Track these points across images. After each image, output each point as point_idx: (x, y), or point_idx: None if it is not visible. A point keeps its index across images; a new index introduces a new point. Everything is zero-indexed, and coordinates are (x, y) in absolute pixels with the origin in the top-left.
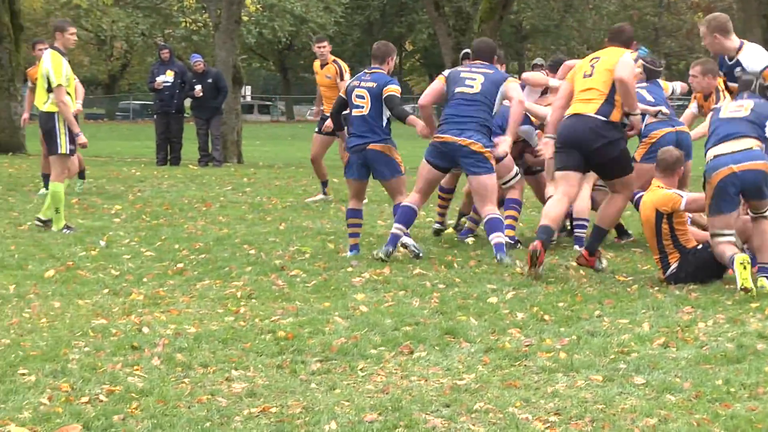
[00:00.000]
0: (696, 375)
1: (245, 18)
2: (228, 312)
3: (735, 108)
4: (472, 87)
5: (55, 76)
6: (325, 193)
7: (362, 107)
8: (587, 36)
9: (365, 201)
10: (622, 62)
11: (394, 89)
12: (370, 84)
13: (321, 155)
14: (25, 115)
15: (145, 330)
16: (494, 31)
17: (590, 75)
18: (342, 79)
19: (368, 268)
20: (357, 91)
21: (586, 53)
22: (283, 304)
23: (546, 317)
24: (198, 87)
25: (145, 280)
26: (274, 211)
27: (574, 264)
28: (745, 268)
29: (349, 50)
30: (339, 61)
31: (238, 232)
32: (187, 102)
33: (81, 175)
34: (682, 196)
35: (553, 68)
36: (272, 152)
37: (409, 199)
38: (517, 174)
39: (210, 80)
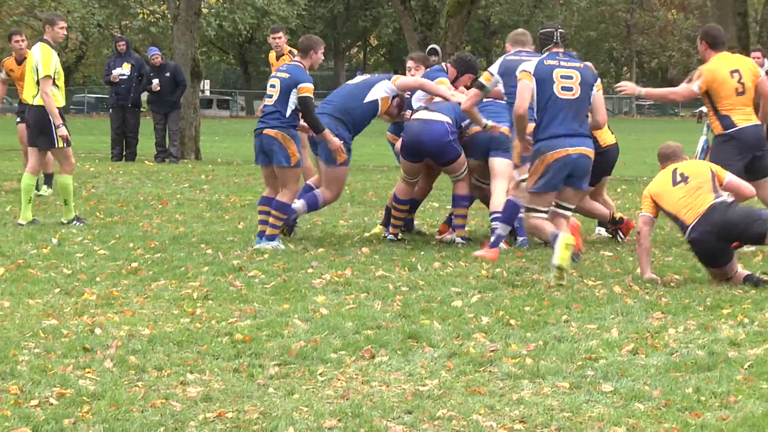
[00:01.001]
0: (666, 383)
1: (205, 10)
2: (183, 313)
3: None
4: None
5: (43, 67)
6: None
7: (272, 96)
8: None
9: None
10: None
11: (308, 89)
12: (284, 75)
13: None
14: None
15: (98, 331)
16: (461, 26)
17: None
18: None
19: (329, 269)
20: (271, 81)
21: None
22: (241, 305)
23: (512, 322)
24: (155, 81)
25: (98, 279)
26: (233, 209)
27: (541, 266)
28: (567, 249)
29: None
30: (296, 51)
31: (195, 231)
32: (144, 96)
33: (48, 180)
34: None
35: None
36: (231, 148)
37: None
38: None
39: (168, 74)
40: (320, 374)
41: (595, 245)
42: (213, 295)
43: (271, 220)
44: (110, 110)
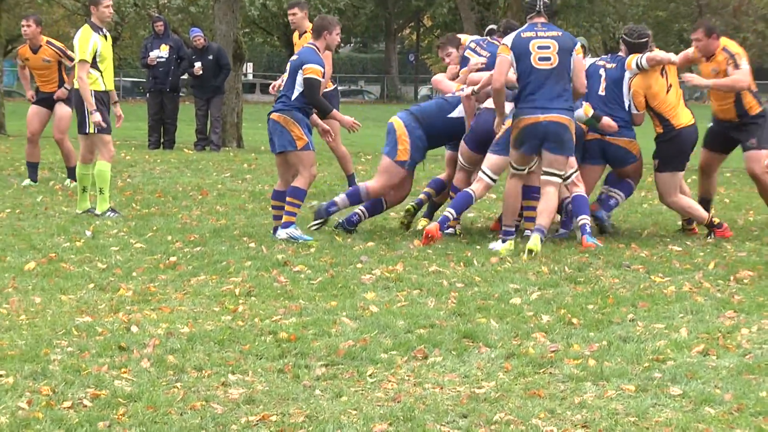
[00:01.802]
0: (738, 386)
1: None
2: (225, 311)
3: None
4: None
5: (79, 50)
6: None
7: (284, 80)
8: (624, 12)
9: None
10: None
11: (313, 70)
12: (295, 57)
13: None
14: (29, 93)
15: (134, 329)
16: (521, 5)
17: None
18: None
19: (379, 264)
20: (288, 65)
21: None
22: (286, 302)
23: (574, 321)
24: (198, 64)
25: (134, 274)
26: None
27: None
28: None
29: (362, 24)
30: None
31: (237, 224)
32: (183, 80)
33: (71, 173)
34: None
35: (506, 33)
36: None
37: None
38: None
39: (211, 57)
40: (370, 375)
41: (663, 239)
42: (256, 292)
43: (286, 207)
44: (147, 95)
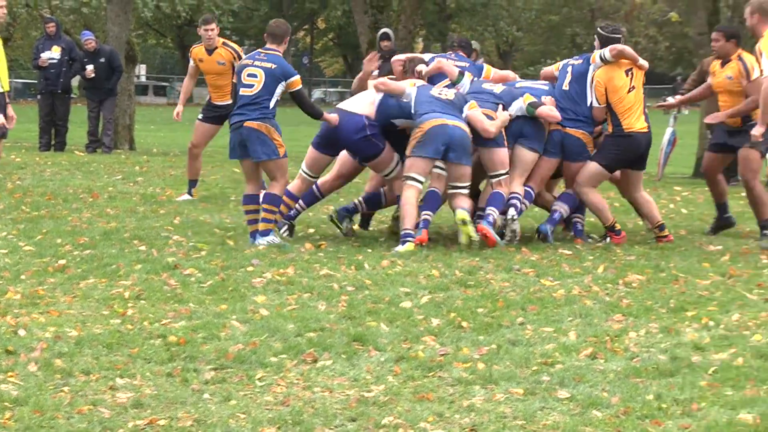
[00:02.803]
0: (625, 389)
1: None
2: (114, 314)
3: None
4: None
5: None
6: (191, 194)
7: (252, 86)
8: (517, 16)
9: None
10: None
11: (297, 82)
12: (268, 65)
13: (202, 146)
14: None
15: (22, 332)
16: (415, 9)
17: None
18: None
19: (270, 267)
20: (249, 70)
21: (515, 35)
22: (175, 305)
23: (464, 324)
24: (90, 67)
25: (22, 277)
26: (169, 203)
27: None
28: (464, 225)
29: (255, 27)
30: (229, 43)
31: (128, 226)
32: (75, 82)
33: None
34: None
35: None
36: (168, 138)
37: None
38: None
39: (103, 59)
40: (259, 379)
41: (554, 244)
42: (145, 295)
43: (263, 214)
44: (38, 96)
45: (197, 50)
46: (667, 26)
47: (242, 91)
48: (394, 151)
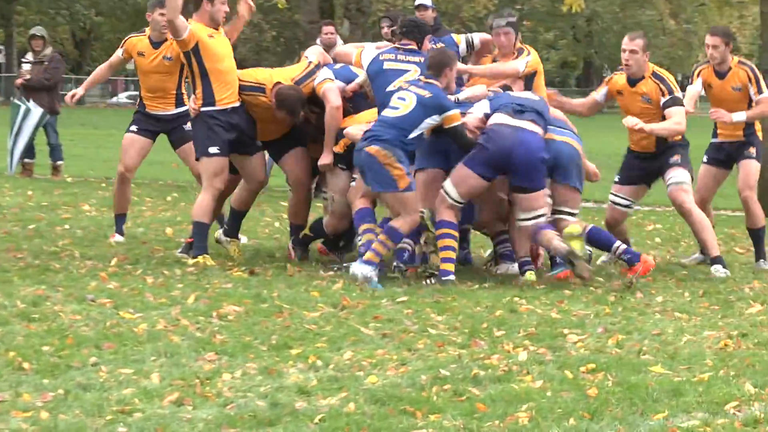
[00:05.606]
0: None
1: None
2: None
3: None
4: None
5: None
6: (121, 233)
7: (398, 108)
8: None
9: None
10: None
11: (458, 117)
12: (424, 93)
13: (135, 169)
14: None
15: None
16: None
17: None
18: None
19: None
20: (402, 93)
21: (95, 19)
22: None
23: (25, 365)
24: None
25: None
26: None
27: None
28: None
29: None
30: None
31: None
32: None
33: None
34: None
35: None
36: None
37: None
38: None
39: None
40: None
41: (142, 269)
42: None
43: (375, 245)
44: None
45: (136, 41)
46: (273, 13)
47: (384, 113)
48: None
